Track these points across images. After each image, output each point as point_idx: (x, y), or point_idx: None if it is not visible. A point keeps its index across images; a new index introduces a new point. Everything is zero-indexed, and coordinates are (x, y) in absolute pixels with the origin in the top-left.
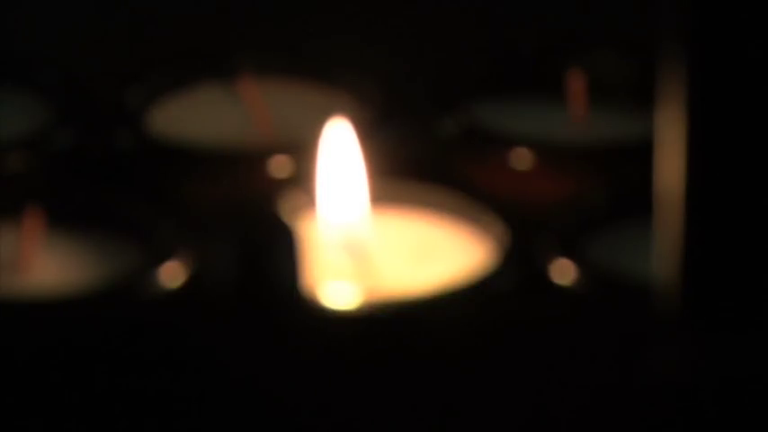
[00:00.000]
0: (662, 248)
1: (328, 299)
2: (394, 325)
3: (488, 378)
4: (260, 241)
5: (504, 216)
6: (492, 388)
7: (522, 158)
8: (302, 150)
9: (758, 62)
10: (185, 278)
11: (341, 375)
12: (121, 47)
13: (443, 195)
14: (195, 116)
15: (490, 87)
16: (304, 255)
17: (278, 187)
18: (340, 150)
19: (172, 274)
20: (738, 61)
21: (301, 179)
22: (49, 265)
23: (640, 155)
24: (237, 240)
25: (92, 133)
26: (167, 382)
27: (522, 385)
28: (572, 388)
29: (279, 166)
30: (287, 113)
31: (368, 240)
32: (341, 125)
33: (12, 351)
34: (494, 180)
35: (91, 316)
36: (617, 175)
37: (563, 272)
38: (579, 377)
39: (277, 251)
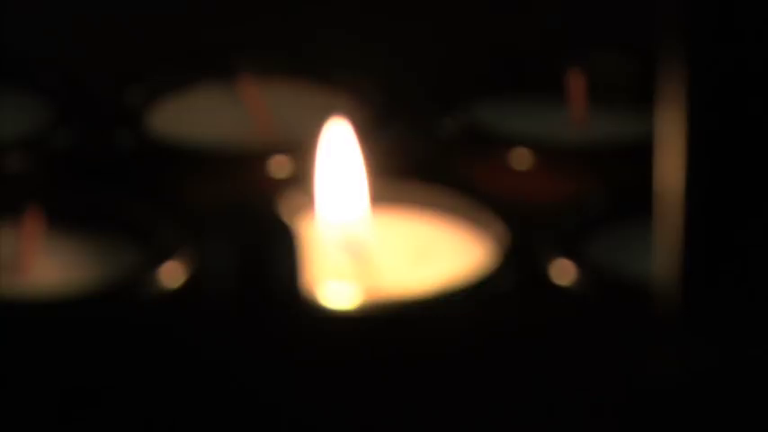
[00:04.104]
0: (662, 248)
1: (328, 299)
2: (394, 325)
3: (488, 378)
4: (260, 241)
5: (504, 216)
6: (492, 388)
7: (521, 158)
8: (302, 150)
9: (758, 62)
10: (185, 278)
11: (340, 375)
12: (121, 47)
13: (443, 195)
14: (195, 116)
15: (490, 87)
16: (304, 255)
17: (278, 187)
18: (339, 150)
19: (171, 275)
20: (738, 61)
21: (301, 179)
22: (48, 266)
23: (640, 155)
24: (237, 240)
25: (92, 133)
26: (167, 382)
27: (521, 385)
28: (572, 388)
29: (278, 166)
30: (287, 113)
31: (367, 240)
32: (340, 125)
33: (12, 351)
34: (494, 180)
35: (91, 316)
36: (617, 176)
37: (563, 272)
38: (579, 377)
39: (277, 251)
